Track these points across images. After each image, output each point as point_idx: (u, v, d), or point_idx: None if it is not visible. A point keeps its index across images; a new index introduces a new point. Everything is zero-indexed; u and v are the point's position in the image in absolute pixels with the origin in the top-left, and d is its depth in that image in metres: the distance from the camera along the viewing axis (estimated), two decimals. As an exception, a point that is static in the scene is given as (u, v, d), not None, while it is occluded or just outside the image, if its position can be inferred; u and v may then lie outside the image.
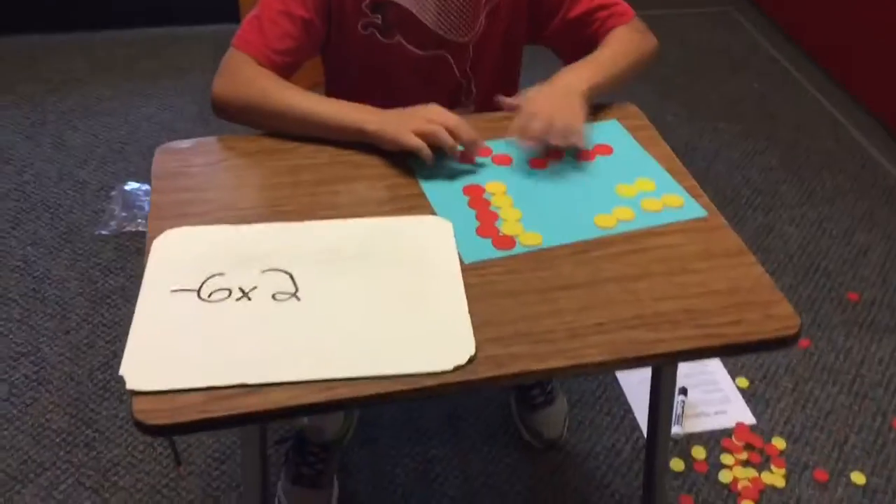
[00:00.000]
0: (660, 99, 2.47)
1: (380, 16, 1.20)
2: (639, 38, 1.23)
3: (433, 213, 1.03)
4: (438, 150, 1.08)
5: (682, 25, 2.87)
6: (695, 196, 1.06)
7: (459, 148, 1.09)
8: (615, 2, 1.25)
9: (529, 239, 0.99)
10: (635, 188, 1.07)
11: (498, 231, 1.00)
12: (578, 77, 1.15)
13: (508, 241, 0.99)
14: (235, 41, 1.16)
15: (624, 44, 1.21)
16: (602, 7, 1.24)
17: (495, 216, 1.03)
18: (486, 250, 0.98)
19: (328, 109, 1.12)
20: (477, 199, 1.05)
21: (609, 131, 1.18)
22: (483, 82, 1.31)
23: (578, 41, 1.25)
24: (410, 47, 1.24)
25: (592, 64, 1.18)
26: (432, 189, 1.06)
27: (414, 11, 1.20)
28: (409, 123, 1.07)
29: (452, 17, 1.23)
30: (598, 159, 1.13)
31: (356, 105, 1.12)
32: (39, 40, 2.65)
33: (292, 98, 1.12)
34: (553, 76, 1.15)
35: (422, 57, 1.25)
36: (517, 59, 1.35)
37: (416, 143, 1.06)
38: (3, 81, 2.48)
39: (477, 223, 1.01)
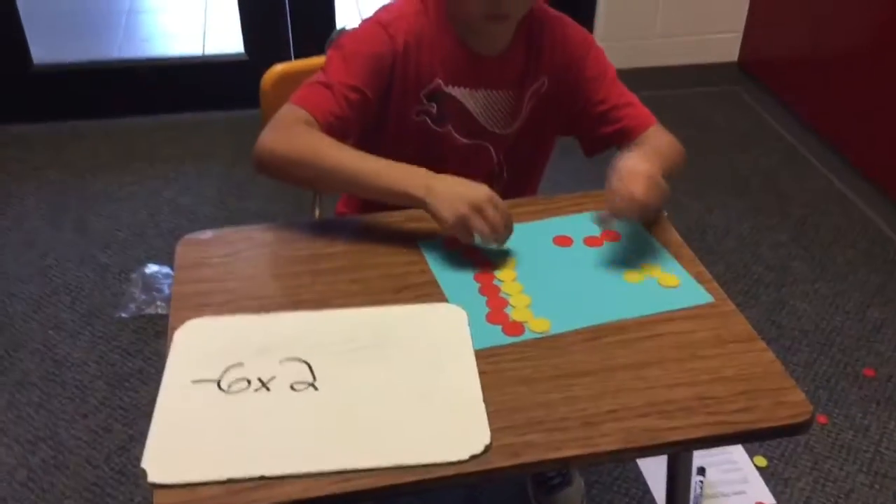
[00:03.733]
0: (680, 173, 2.51)
1: (435, 105, 1.25)
2: (675, 141, 1.28)
3: (445, 300, 1.05)
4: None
5: (689, 104, 2.93)
6: (702, 282, 1.08)
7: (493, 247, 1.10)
8: (639, 104, 1.30)
9: (538, 325, 1.01)
10: (642, 274, 1.10)
11: (508, 317, 1.02)
12: (655, 166, 1.13)
13: (518, 328, 1.01)
14: (294, 98, 1.17)
15: (672, 144, 1.26)
16: (627, 105, 1.29)
17: (505, 303, 1.05)
18: (496, 337, 0.99)
19: (381, 168, 1.10)
20: (487, 285, 1.08)
21: (618, 217, 1.21)
22: (514, 168, 1.36)
23: (600, 136, 1.31)
24: (458, 136, 1.29)
25: (660, 157, 1.17)
26: (444, 276, 1.09)
27: (466, 105, 1.26)
28: (459, 208, 1.05)
29: (497, 111, 1.29)
30: (606, 245, 1.15)
31: (407, 168, 1.10)
32: (64, 128, 2.75)
33: (343, 156, 1.11)
34: (637, 156, 1.14)
35: (465, 145, 1.30)
36: (549, 148, 1.41)
37: (464, 236, 1.06)
38: (29, 168, 2.56)
39: (487, 310, 1.04)
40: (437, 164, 1.20)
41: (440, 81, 1.24)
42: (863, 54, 2.43)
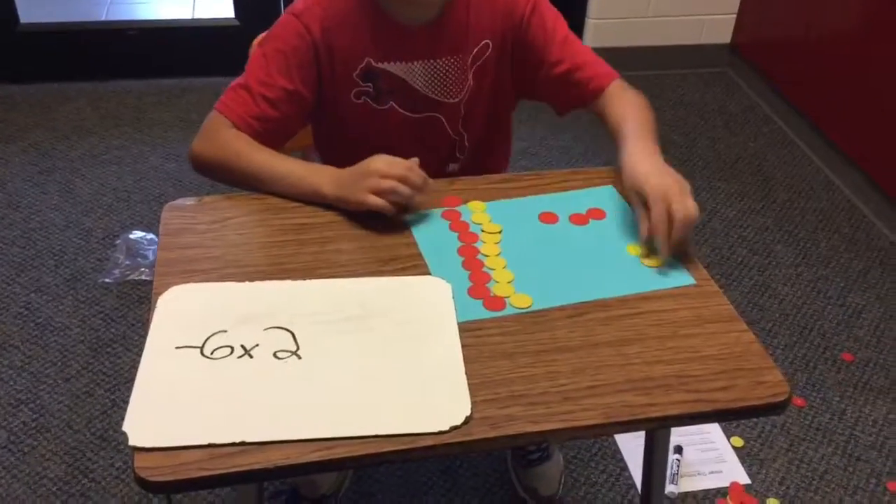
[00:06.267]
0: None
1: (371, 84, 1.24)
2: (639, 95, 1.26)
3: (429, 272, 1.05)
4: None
5: (679, 85, 2.93)
6: (686, 263, 1.09)
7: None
8: (595, 61, 1.28)
9: (519, 301, 1.02)
10: (626, 253, 1.10)
11: (489, 292, 1.03)
12: (654, 152, 1.13)
13: (499, 303, 1.01)
14: (217, 105, 1.20)
15: (642, 107, 1.23)
16: (584, 64, 1.27)
17: (488, 277, 1.05)
18: (477, 311, 1.00)
19: (292, 171, 1.15)
20: (471, 259, 1.08)
21: (604, 196, 1.21)
22: (474, 137, 1.35)
23: (566, 97, 1.30)
24: (403, 112, 1.28)
25: (651, 137, 1.17)
26: (429, 249, 1.09)
27: (405, 78, 1.25)
28: (366, 184, 1.09)
29: (441, 81, 1.27)
30: (592, 223, 1.16)
31: (318, 167, 1.16)
32: (51, 89, 2.71)
33: (262, 160, 1.16)
34: (637, 152, 1.12)
35: (415, 120, 1.29)
36: (507, 110, 1.39)
37: (378, 203, 1.09)
38: (14, 129, 2.53)
39: (469, 283, 1.04)
40: (390, 143, 1.20)
41: (370, 59, 1.22)
42: (853, 41, 2.43)
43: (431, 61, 1.25)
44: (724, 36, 3.03)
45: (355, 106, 1.25)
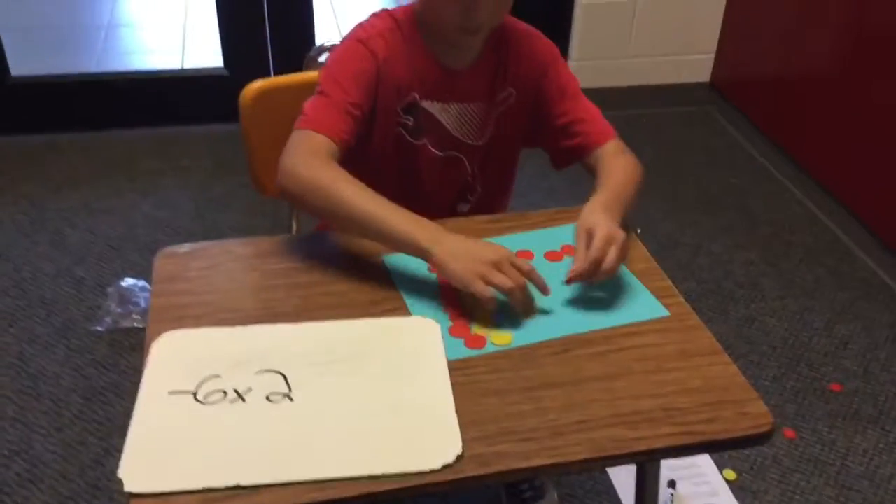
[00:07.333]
0: (642, 194, 2.54)
1: (411, 118, 1.29)
2: (633, 162, 1.29)
3: (409, 313, 1.07)
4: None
5: (662, 123, 2.98)
6: (665, 296, 1.11)
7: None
8: (598, 118, 1.33)
9: (499, 338, 1.03)
10: (600, 287, 1.12)
11: (470, 331, 1.05)
12: (614, 212, 1.16)
13: (479, 341, 1.03)
14: (305, 123, 1.17)
15: (629, 173, 1.26)
16: (585, 120, 1.32)
17: (467, 316, 1.07)
18: (458, 349, 1.02)
19: (392, 218, 1.08)
20: (451, 299, 1.10)
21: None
22: (487, 180, 1.39)
23: (564, 148, 1.34)
24: (433, 150, 1.32)
25: (620, 204, 1.19)
26: (408, 290, 1.11)
27: (440, 119, 1.29)
28: (481, 269, 1.03)
29: (469, 123, 1.32)
30: (566, 259, 1.18)
31: (420, 220, 1.08)
32: (42, 140, 2.74)
33: (357, 195, 1.10)
34: (599, 205, 1.16)
35: (440, 158, 1.33)
36: (515, 159, 1.44)
37: (486, 293, 1.02)
38: (5, 181, 2.55)
39: (450, 323, 1.06)
40: (415, 177, 1.22)
41: (416, 95, 1.27)
42: (831, 77, 2.49)
43: (465, 105, 1.30)
44: (704, 75, 3.10)
45: (392, 135, 1.29)
